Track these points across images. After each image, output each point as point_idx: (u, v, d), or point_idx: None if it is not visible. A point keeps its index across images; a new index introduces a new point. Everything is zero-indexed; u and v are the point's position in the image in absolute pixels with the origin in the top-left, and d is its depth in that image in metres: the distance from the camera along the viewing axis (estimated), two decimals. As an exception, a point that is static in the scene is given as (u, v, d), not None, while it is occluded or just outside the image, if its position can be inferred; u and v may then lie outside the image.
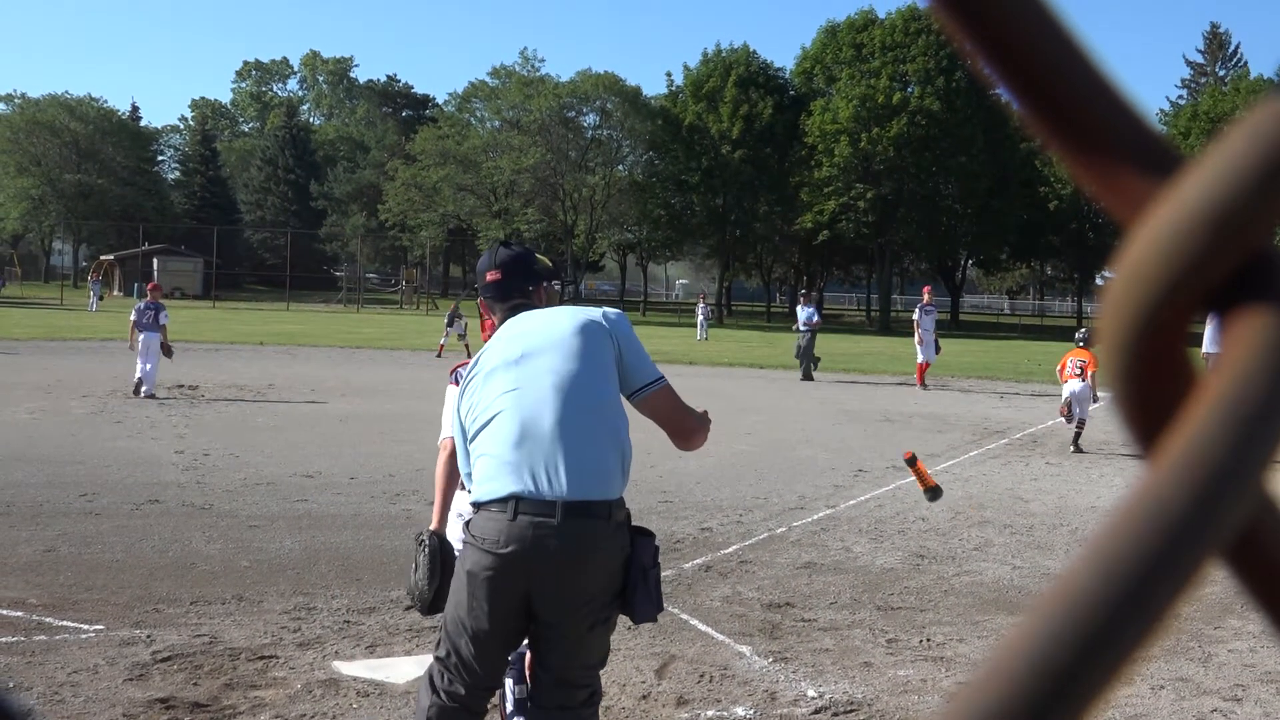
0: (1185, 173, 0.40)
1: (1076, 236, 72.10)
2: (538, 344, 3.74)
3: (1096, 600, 0.35)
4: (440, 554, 4.10)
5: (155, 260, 71.56)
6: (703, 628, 6.95)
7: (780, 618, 7.24)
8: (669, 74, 78.33)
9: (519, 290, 4.07)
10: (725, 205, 67.94)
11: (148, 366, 18.29)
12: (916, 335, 25.30)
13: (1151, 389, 0.40)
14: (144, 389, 18.19)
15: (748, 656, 6.44)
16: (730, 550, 9.07)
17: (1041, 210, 68.90)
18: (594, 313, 3.89)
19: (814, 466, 13.50)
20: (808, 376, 26.45)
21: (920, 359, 25.27)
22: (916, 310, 25.59)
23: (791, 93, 70.06)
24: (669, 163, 68.80)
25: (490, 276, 4.09)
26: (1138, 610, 0.36)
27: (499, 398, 3.69)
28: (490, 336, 4.03)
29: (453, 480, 4.44)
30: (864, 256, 74.68)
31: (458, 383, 4.76)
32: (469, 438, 3.81)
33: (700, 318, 45.96)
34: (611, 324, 3.83)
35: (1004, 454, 15.19)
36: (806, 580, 8.22)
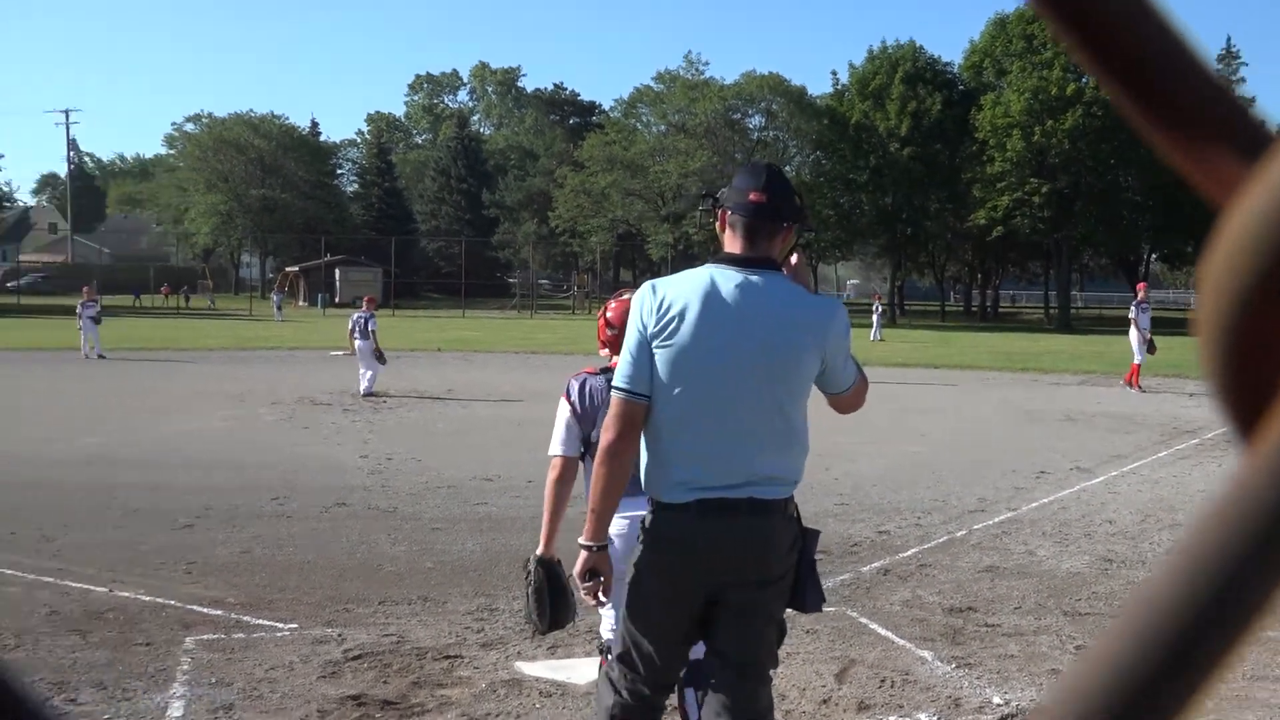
0: (1278, 152, 0.40)
1: (1267, 227, 69.06)
2: (744, 329, 3.52)
3: (1180, 606, 0.34)
4: (547, 585, 4.16)
5: (337, 271, 73.86)
6: (883, 632, 6.86)
7: (962, 622, 7.10)
8: (834, 73, 77.57)
9: (779, 219, 3.68)
10: (894, 203, 67.03)
11: (368, 373, 20.08)
12: (1134, 333, 23.52)
13: (1249, 375, 0.38)
14: (363, 389, 20.04)
15: (930, 662, 6.34)
16: (909, 553, 8.93)
17: (1229, 200, 66.17)
18: (824, 309, 3.65)
19: (994, 468, 13.22)
20: None
21: (1136, 359, 23.70)
22: (1132, 308, 23.92)
23: (960, 87, 68.82)
24: (836, 162, 68.19)
25: (754, 197, 3.64)
26: (1223, 616, 0.34)
27: (688, 384, 3.53)
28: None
29: (562, 501, 4.45)
30: (1040, 252, 72.87)
31: (569, 396, 4.75)
32: (651, 411, 3.59)
33: (875, 317, 45.49)
34: (830, 327, 3.61)
35: (1195, 455, 14.63)
36: (989, 584, 8.05)
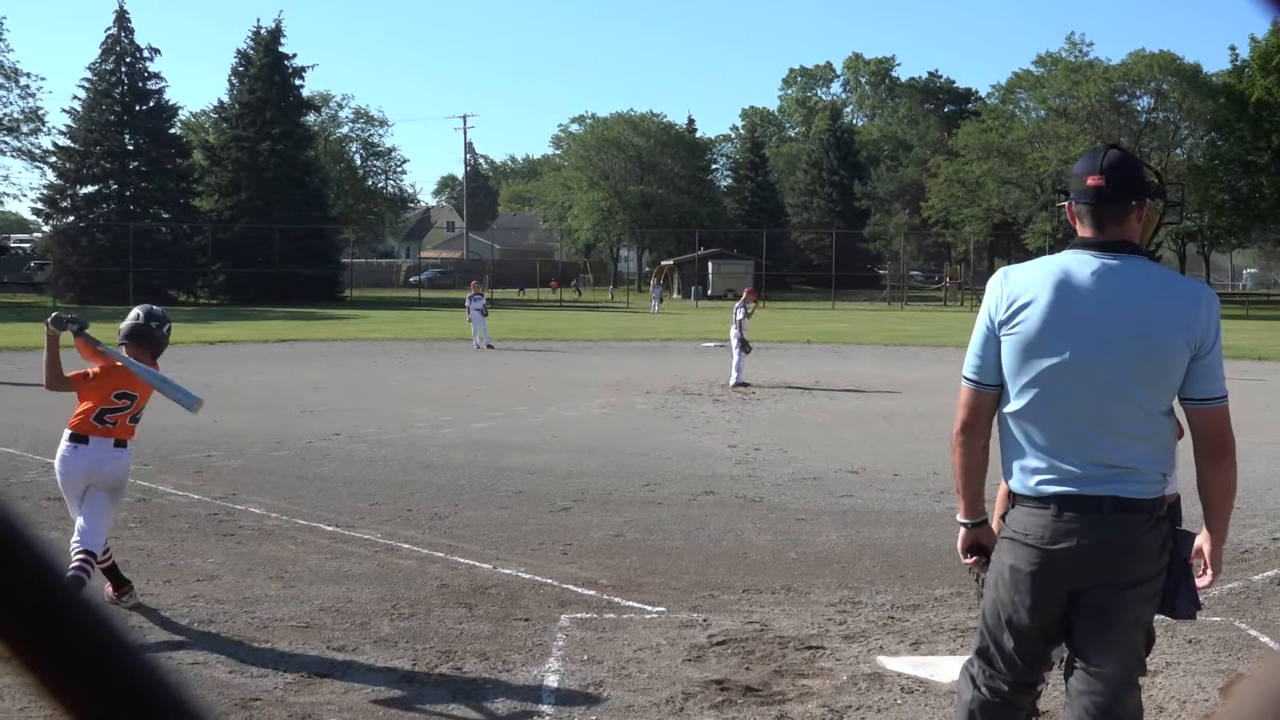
0: None
1: None
2: (1099, 315, 3.40)
3: None
4: None
5: (710, 264, 75.30)
6: (1274, 645, 6.39)
7: (1368, 640, 6.53)
8: (1233, 48, 72.51)
9: (1124, 200, 3.51)
10: (1300, 187, 62.00)
11: (739, 363, 20.63)
12: None
13: None
14: (733, 380, 20.49)
15: (1329, 681, 5.86)
16: (1308, 563, 8.28)
17: None
18: (1190, 294, 3.47)
19: None
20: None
21: None
22: None
23: (1383, 57, 62.88)
24: (1233, 143, 63.71)
25: (1092, 181, 3.51)
26: None
27: (1040, 373, 3.44)
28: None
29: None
30: None
31: None
32: (1005, 402, 3.53)
33: None
34: (1203, 317, 3.43)
35: None
36: (1401, 601, 7.36)
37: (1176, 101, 65.89)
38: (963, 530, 3.82)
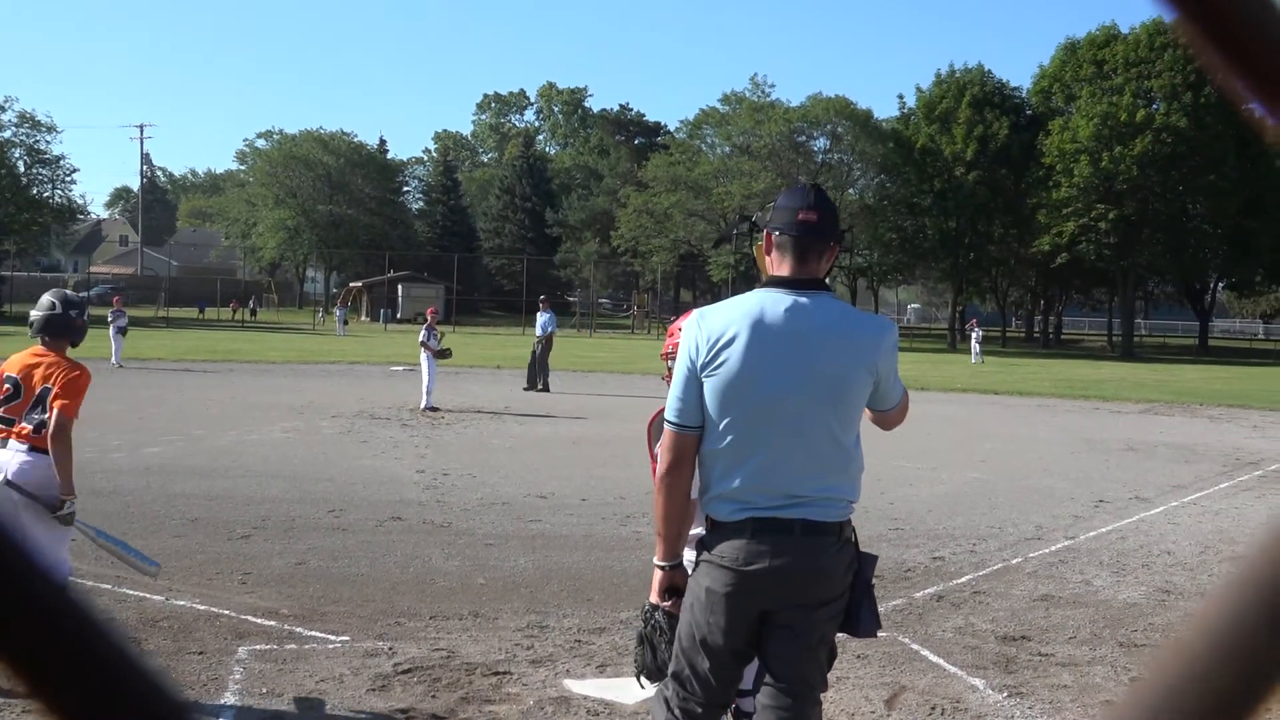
0: None
1: (1340, 256, 67.76)
2: (795, 353, 3.54)
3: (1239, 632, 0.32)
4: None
5: (400, 287, 74.46)
6: (934, 659, 6.80)
7: (1016, 651, 7.02)
8: (901, 96, 77.37)
9: (827, 238, 3.69)
10: (959, 228, 66.57)
11: (429, 386, 20.60)
12: None
13: None
14: (425, 404, 20.38)
15: (981, 690, 6.27)
16: (963, 580, 8.85)
17: (1300, 229, 64.82)
18: (875, 329, 3.67)
19: (1052, 496, 13.07)
20: (533, 386, 25.27)
21: None
22: None
23: (1028, 112, 68.37)
24: (901, 185, 67.87)
25: (804, 216, 3.65)
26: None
27: (741, 408, 3.56)
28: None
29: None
30: (1105, 279, 72.01)
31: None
32: (706, 433, 3.62)
33: (974, 342, 48.20)
34: (886, 349, 3.65)
35: (1258, 486, 14.40)
36: (1044, 613, 7.96)
37: (850, 144, 69.52)
38: (659, 573, 3.79)
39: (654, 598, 4.04)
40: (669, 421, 3.67)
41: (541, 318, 26.24)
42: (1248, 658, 0.34)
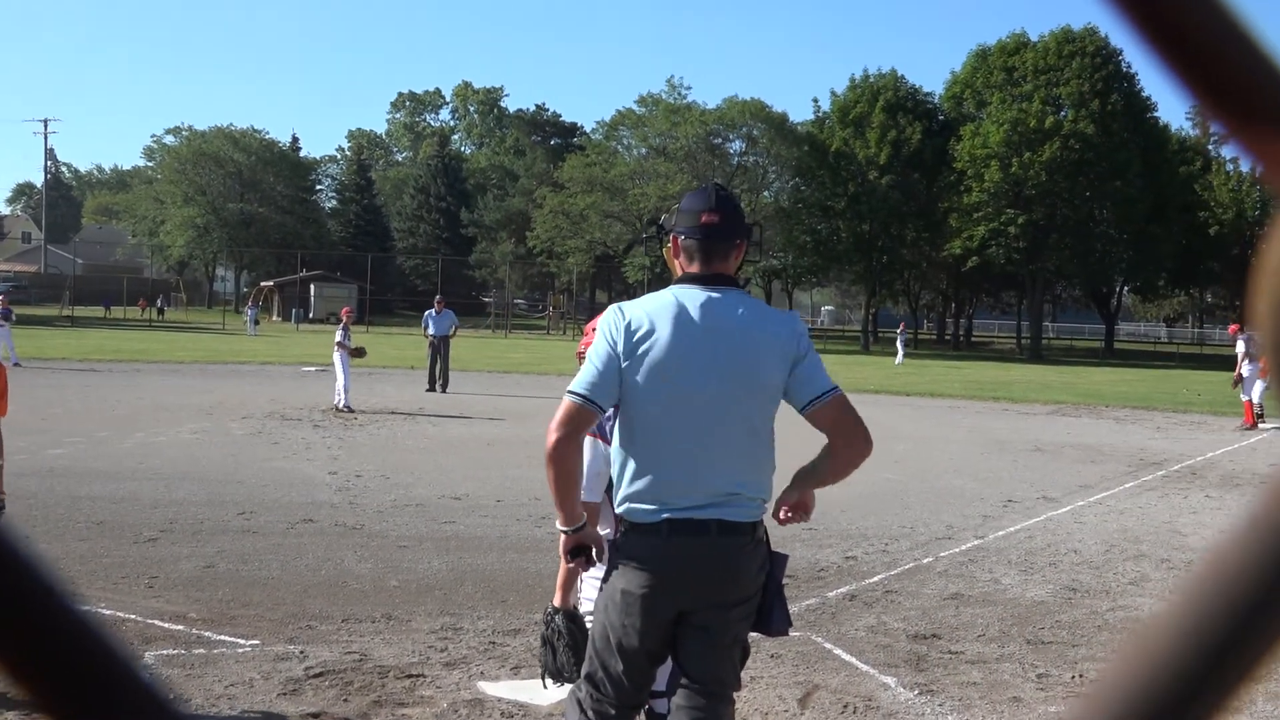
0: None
1: (1239, 262, 69.42)
2: (710, 348, 3.56)
3: (1193, 639, 0.33)
4: (575, 636, 4.08)
5: (312, 286, 73.65)
6: (846, 657, 6.86)
7: (926, 649, 7.11)
8: (815, 100, 78.08)
9: (732, 237, 3.72)
10: (872, 231, 67.25)
11: (343, 386, 20.39)
12: (1242, 371, 22.86)
13: None
14: (341, 402, 20.21)
15: (893, 688, 6.34)
16: (875, 579, 8.95)
17: (1201, 235, 66.25)
18: (783, 321, 3.69)
19: (962, 496, 13.26)
20: (434, 388, 25.27)
21: (1249, 396, 22.90)
22: (1241, 342, 23.15)
23: (940, 118, 69.21)
24: (815, 189, 68.37)
25: (706, 218, 3.68)
26: (1240, 641, 0.34)
27: (657, 404, 3.56)
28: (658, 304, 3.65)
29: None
30: (1014, 283, 73.19)
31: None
32: (620, 431, 3.64)
33: (899, 344, 49.47)
34: (796, 336, 3.66)
35: (1161, 486, 14.72)
36: (954, 612, 8.07)
37: (765, 147, 69.97)
38: (564, 536, 3.73)
39: (556, 600, 4.07)
40: (573, 393, 3.57)
41: (449, 317, 26.06)
42: (1219, 648, 0.34)
